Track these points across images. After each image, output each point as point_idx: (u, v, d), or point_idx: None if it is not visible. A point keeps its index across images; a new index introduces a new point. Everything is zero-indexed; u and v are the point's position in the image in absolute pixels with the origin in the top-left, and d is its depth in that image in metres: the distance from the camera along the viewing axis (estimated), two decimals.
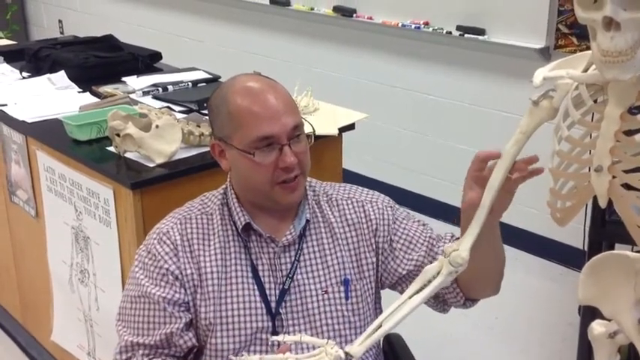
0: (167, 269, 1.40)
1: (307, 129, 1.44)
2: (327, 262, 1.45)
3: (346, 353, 1.10)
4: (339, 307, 1.44)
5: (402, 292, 1.51)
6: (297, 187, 1.40)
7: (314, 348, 1.30)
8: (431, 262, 1.42)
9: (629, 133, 0.95)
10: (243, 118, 1.36)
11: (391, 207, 1.52)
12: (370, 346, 1.13)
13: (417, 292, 1.14)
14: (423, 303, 1.16)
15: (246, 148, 1.36)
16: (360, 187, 1.56)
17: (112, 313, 1.56)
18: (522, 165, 1.13)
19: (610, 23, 0.87)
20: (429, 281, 1.14)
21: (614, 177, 0.96)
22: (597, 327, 1.17)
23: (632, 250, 1.14)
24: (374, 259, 1.48)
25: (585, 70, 1.02)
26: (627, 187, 0.96)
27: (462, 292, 1.43)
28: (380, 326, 1.11)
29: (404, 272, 1.46)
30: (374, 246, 1.48)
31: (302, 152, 1.39)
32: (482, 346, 2.82)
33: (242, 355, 1.38)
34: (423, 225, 1.51)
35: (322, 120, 2.20)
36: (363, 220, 1.49)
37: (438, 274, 1.14)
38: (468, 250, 1.11)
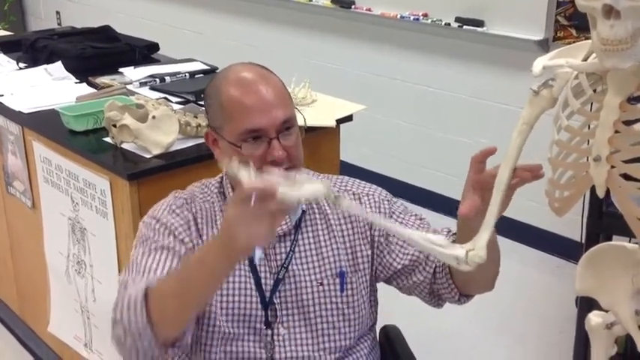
0: (177, 235, 1.38)
1: (300, 121, 1.41)
2: (323, 253, 1.44)
3: None
4: (333, 300, 1.43)
5: (396, 286, 1.51)
6: None
7: (307, 337, 1.30)
8: (426, 257, 1.43)
9: (629, 122, 0.95)
10: (233, 110, 1.34)
11: (388, 200, 1.51)
12: None
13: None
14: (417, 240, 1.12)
15: (234, 141, 1.34)
16: (357, 180, 1.55)
17: (108, 305, 1.55)
18: (524, 173, 1.10)
19: (610, 11, 0.86)
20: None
21: (612, 167, 0.96)
22: (594, 318, 1.17)
23: (629, 242, 1.14)
24: (369, 252, 1.47)
25: (585, 59, 1.02)
26: (626, 177, 0.95)
27: (457, 288, 1.42)
28: None
29: (399, 267, 1.45)
30: (369, 239, 1.47)
31: (292, 146, 1.35)
32: (479, 338, 2.82)
33: (235, 345, 1.38)
34: (420, 219, 1.50)
35: (320, 111, 2.19)
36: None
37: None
38: (484, 247, 1.08)
